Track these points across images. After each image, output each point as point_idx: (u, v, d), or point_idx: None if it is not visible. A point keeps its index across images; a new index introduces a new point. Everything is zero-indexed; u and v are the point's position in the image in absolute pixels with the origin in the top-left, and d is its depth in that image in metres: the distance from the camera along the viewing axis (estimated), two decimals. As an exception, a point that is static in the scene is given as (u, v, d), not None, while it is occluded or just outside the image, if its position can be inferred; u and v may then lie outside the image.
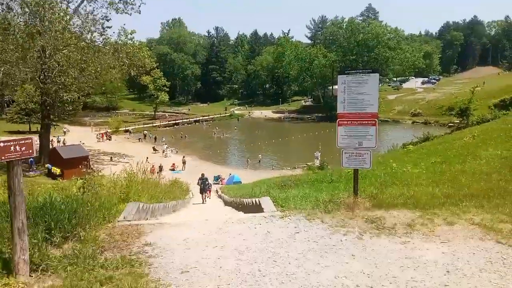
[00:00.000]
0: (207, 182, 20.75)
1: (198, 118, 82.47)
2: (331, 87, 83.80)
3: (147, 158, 43.61)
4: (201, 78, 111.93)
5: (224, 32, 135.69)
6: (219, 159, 48.18)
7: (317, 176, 13.17)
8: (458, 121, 38.72)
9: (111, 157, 43.12)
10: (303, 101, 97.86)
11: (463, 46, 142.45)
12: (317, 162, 35.27)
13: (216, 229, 5.59)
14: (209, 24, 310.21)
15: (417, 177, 8.98)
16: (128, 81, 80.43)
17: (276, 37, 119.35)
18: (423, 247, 4.69)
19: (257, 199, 7.93)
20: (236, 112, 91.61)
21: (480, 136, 14.98)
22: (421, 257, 4.41)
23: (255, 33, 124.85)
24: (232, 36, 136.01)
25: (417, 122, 67.82)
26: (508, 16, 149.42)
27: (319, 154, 40.00)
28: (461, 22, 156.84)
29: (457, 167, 9.61)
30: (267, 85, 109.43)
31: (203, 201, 19.28)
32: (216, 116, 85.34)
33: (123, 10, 31.69)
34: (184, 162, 40.96)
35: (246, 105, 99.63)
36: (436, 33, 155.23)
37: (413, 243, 4.84)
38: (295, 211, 6.29)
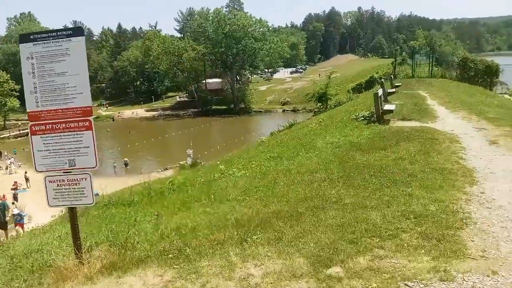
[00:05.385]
0: (6, 213, 13.72)
1: (58, 123, 72.85)
2: (204, 81, 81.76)
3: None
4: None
5: (85, 26, 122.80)
6: (80, 169, 42.17)
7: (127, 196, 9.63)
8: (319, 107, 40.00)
9: None
10: (177, 97, 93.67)
11: (324, 36, 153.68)
12: (189, 160, 33.06)
13: None
14: (65, 19, 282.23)
15: (234, 185, 6.82)
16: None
17: (145, 30, 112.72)
18: None
19: None
20: (104, 113, 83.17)
21: (325, 121, 13.90)
22: None
23: (119, 27, 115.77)
24: (96, 31, 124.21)
25: (287, 110, 69.75)
26: (360, 7, 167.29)
27: (191, 151, 37.75)
28: (321, 13, 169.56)
29: (285, 164, 7.75)
30: (138, 82, 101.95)
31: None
32: (80, 118, 76.44)
33: None
34: (27, 179, 34.21)
35: (107, 105, 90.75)
36: (300, 25, 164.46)
37: None
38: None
